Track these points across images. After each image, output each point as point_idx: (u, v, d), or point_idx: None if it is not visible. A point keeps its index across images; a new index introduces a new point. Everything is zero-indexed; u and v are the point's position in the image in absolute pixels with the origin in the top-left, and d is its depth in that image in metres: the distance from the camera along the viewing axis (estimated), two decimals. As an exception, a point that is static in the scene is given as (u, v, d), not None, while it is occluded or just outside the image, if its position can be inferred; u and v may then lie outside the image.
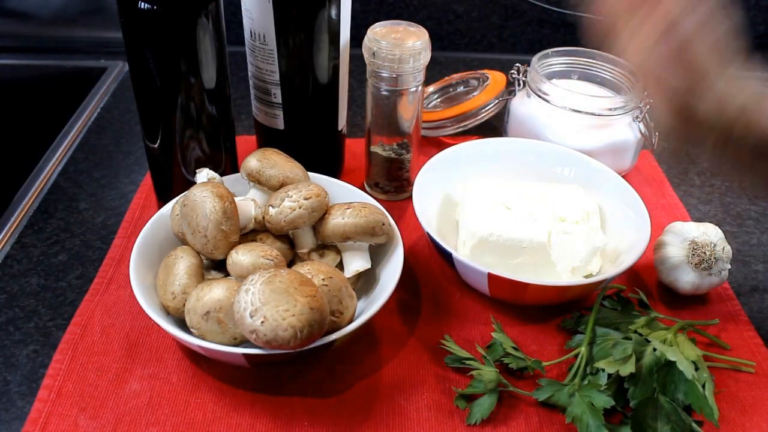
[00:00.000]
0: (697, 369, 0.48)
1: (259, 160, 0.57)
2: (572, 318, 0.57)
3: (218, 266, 0.55)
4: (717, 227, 0.60)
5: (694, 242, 0.58)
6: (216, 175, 0.57)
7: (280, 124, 0.67)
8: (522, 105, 0.75)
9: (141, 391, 0.50)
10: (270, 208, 0.54)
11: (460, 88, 0.87)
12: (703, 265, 0.58)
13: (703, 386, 0.47)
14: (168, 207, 0.57)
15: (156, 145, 0.61)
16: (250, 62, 0.65)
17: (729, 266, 0.59)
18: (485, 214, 0.59)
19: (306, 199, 0.53)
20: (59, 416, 0.48)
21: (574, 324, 0.56)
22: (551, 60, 0.77)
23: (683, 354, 0.49)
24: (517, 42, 1.06)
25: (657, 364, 0.48)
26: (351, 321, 0.50)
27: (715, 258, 0.58)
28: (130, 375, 0.51)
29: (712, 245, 0.58)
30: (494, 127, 0.85)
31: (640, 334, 0.52)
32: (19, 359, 0.53)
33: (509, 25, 1.04)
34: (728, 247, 0.59)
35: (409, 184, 0.71)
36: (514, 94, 0.78)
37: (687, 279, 0.58)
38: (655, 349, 0.49)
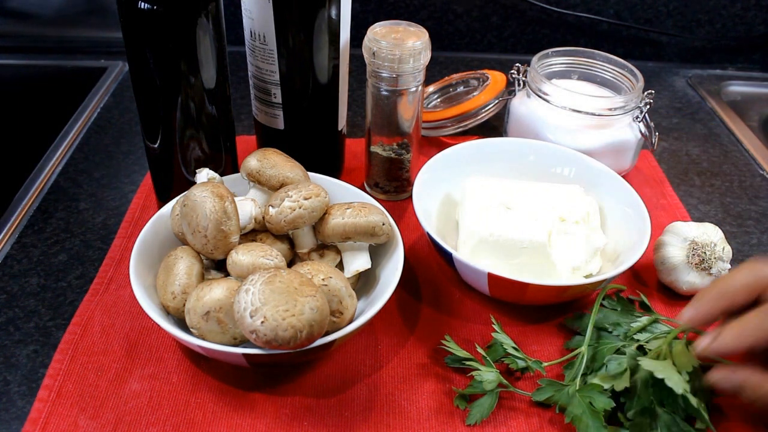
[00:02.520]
0: (690, 380, 0.48)
1: (259, 160, 0.57)
2: (573, 317, 0.57)
3: (218, 266, 0.55)
4: (717, 227, 0.60)
5: (694, 242, 0.58)
6: (216, 175, 0.57)
7: (280, 124, 0.67)
8: (522, 105, 0.75)
9: (141, 391, 0.50)
10: (270, 208, 0.54)
11: (460, 88, 0.87)
12: (703, 265, 0.58)
13: (696, 393, 0.47)
14: (168, 207, 0.57)
15: (156, 145, 0.61)
16: (250, 62, 0.65)
17: (729, 266, 0.58)
18: (485, 214, 0.59)
19: (306, 199, 0.53)
20: (59, 416, 0.48)
21: (574, 324, 0.56)
22: (551, 60, 0.77)
23: (678, 364, 0.48)
24: (517, 42, 1.06)
25: (652, 377, 0.47)
26: (351, 321, 0.50)
27: (715, 258, 0.58)
28: (130, 375, 0.51)
29: (713, 245, 0.58)
30: (494, 127, 0.85)
31: (638, 340, 0.51)
32: (19, 359, 0.53)
33: (509, 25, 1.04)
34: (728, 247, 0.59)
35: (409, 184, 0.71)
36: (514, 94, 0.78)
37: (687, 279, 0.58)
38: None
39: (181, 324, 0.51)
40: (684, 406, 0.46)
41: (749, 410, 0.49)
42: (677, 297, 0.60)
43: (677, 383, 0.45)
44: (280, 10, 0.59)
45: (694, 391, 0.47)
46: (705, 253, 0.58)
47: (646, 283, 0.62)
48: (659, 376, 0.46)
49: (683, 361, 0.48)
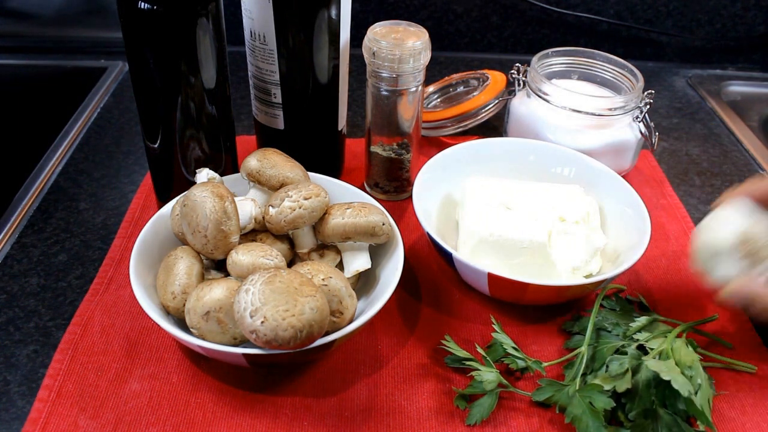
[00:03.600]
0: (692, 377, 0.48)
1: (259, 160, 0.57)
2: (571, 321, 0.56)
3: (218, 266, 0.55)
4: None
5: (747, 233, 0.51)
6: (216, 175, 0.57)
7: (280, 124, 0.67)
8: (522, 105, 0.75)
9: (141, 391, 0.50)
10: (270, 208, 0.54)
11: (460, 88, 0.87)
12: (750, 259, 0.51)
13: (697, 393, 0.47)
14: (168, 207, 0.57)
15: (156, 145, 0.61)
16: (250, 62, 0.65)
17: None
18: (485, 214, 0.59)
19: (306, 199, 0.53)
20: (59, 416, 0.48)
21: (572, 327, 0.56)
22: (551, 60, 0.77)
23: (680, 361, 0.48)
24: (517, 42, 1.06)
25: (655, 378, 0.47)
26: (351, 321, 0.50)
27: (764, 255, 0.51)
28: (130, 375, 0.51)
29: (765, 242, 0.51)
30: (494, 127, 0.85)
31: (638, 340, 0.52)
32: (19, 359, 0.53)
33: (509, 25, 1.04)
34: None
35: (409, 184, 0.71)
36: (514, 94, 0.78)
37: (726, 271, 0.52)
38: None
39: (181, 324, 0.51)
40: (686, 407, 0.46)
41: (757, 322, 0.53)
42: (677, 297, 0.60)
43: (683, 385, 0.45)
44: (280, 10, 0.59)
45: (695, 390, 0.47)
46: (756, 246, 0.51)
47: (647, 283, 0.62)
48: (665, 377, 0.46)
49: (683, 357, 0.48)
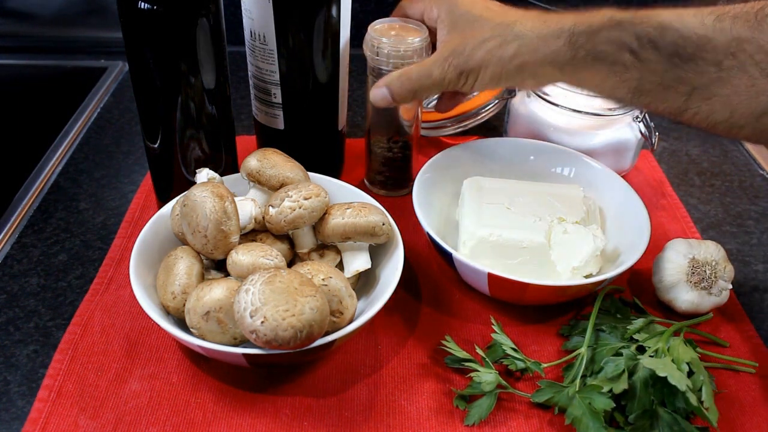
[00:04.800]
0: (692, 373, 0.48)
1: (259, 160, 0.57)
2: (569, 326, 0.56)
3: (218, 266, 0.55)
4: (719, 246, 0.58)
5: (695, 260, 0.56)
6: (216, 175, 0.57)
7: (280, 124, 0.67)
8: (522, 105, 0.75)
9: (141, 391, 0.50)
10: (270, 208, 0.54)
11: (460, 88, 0.86)
12: (703, 284, 0.56)
13: (700, 389, 0.47)
14: (168, 207, 0.57)
15: (156, 145, 0.61)
16: (250, 62, 0.65)
17: (731, 286, 0.56)
18: (485, 214, 0.59)
19: (306, 199, 0.53)
20: (59, 416, 0.48)
21: (571, 332, 0.55)
22: (551, 60, 0.76)
23: (678, 358, 0.48)
24: (517, 42, 1.05)
25: (652, 376, 0.47)
26: (351, 321, 0.50)
27: (716, 277, 0.56)
28: (130, 375, 0.51)
29: (714, 263, 0.56)
30: (494, 127, 0.85)
31: (636, 340, 0.52)
32: (19, 359, 0.53)
33: (509, 25, 1.04)
34: (730, 267, 0.57)
35: (410, 182, 0.71)
36: (514, 94, 0.78)
37: (686, 298, 0.56)
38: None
39: (181, 324, 0.51)
40: (685, 404, 0.46)
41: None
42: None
43: (680, 380, 0.45)
44: (280, 10, 0.59)
45: (698, 387, 0.47)
46: (705, 271, 0.56)
47: (646, 284, 0.62)
48: (661, 374, 0.46)
49: (681, 355, 0.48)
